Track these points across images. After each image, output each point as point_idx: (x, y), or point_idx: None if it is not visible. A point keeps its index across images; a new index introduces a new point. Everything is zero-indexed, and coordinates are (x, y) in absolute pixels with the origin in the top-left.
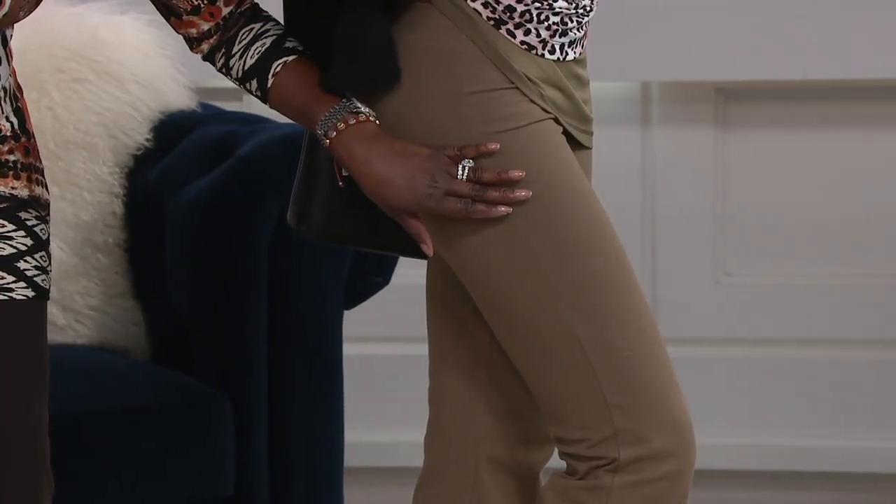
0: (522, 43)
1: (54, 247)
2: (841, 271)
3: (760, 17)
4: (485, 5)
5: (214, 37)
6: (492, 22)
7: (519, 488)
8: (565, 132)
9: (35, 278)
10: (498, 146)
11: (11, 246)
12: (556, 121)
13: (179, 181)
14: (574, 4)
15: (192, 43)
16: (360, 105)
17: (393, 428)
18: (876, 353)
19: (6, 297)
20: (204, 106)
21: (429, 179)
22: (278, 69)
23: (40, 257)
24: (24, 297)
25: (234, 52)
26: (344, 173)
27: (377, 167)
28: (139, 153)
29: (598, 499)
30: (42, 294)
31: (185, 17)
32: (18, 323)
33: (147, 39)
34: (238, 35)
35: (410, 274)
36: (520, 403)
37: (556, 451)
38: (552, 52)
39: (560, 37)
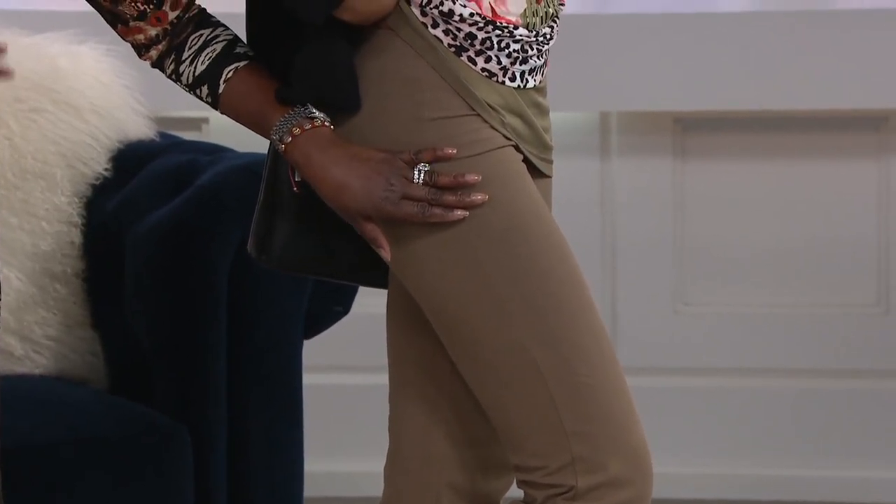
0: (483, 70)
1: (12, 277)
2: (799, 300)
3: (718, 48)
4: (446, 32)
5: (163, 42)
6: (453, 49)
7: None
8: (526, 160)
9: None
10: (455, 151)
11: None
12: (517, 148)
13: (138, 211)
14: (534, 32)
15: (141, 50)
16: (314, 110)
17: (353, 458)
18: (835, 382)
19: None
20: (163, 135)
21: (385, 183)
22: (230, 75)
23: None
24: None
25: (183, 58)
26: (298, 178)
27: (333, 171)
28: (98, 183)
29: None
30: None
31: (131, 24)
32: None
33: (106, 69)
34: (188, 41)
35: (371, 303)
36: (480, 431)
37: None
38: (513, 79)
39: (520, 64)
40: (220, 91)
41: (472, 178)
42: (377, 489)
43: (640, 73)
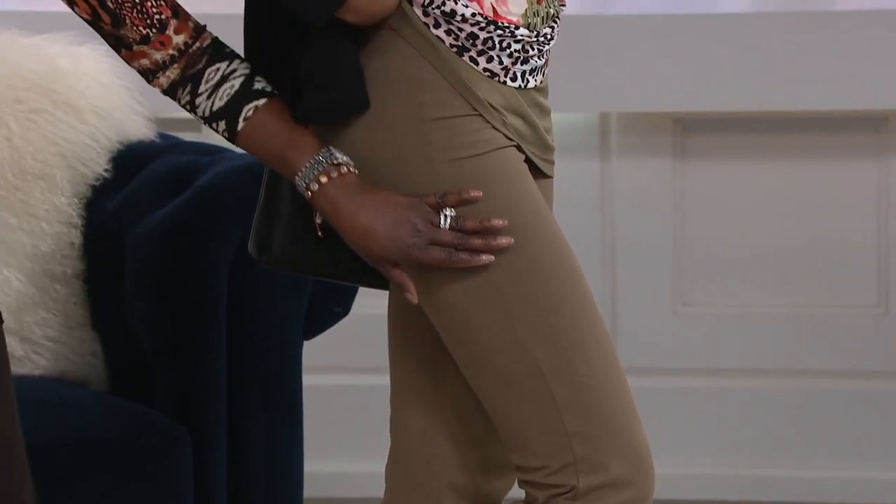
0: (485, 70)
1: (12, 278)
2: (799, 301)
3: (718, 49)
4: (448, 32)
5: (171, 69)
6: (455, 49)
7: None
8: (527, 160)
9: None
10: (480, 194)
11: None
12: (519, 148)
13: (138, 211)
14: (535, 32)
15: (149, 76)
16: (339, 155)
17: (353, 458)
18: (835, 382)
19: None
20: (163, 136)
21: (411, 229)
22: (249, 113)
23: None
24: None
25: (200, 92)
26: (320, 221)
27: (360, 219)
28: (98, 183)
29: None
30: None
31: (135, 48)
32: None
33: (106, 70)
34: (204, 73)
35: (371, 304)
36: (481, 431)
37: (516, 479)
38: (514, 79)
39: (521, 64)
40: (239, 128)
41: (497, 222)
42: (378, 490)
43: (639, 73)
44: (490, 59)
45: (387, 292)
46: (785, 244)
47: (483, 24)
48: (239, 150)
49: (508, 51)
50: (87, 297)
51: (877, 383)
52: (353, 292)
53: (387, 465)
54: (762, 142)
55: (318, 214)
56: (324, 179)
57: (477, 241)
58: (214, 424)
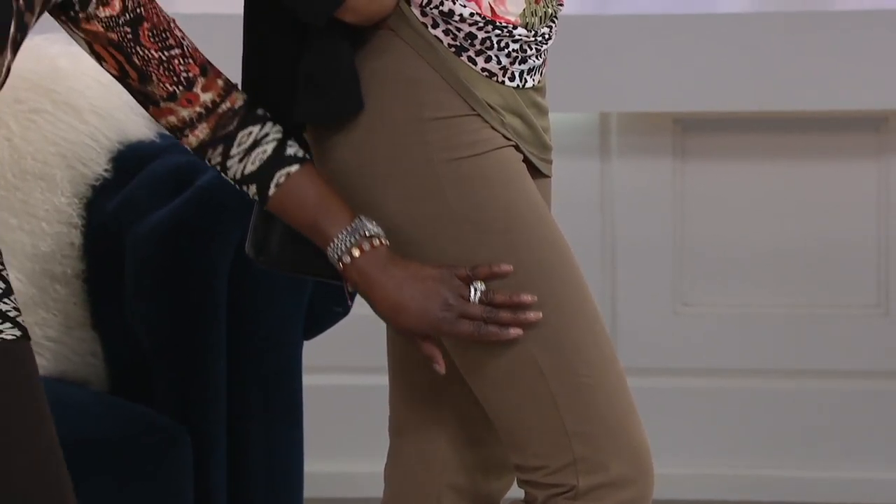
0: (483, 70)
1: (12, 278)
2: (799, 301)
3: (718, 49)
4: (446, 32)
5: (200, 127)
6: (453, 49)
7: None
8: (526, 160)
9: (17, 318)
10: (511, 269)
11: None
12: (517, 148)
13: (138, 211)
14: (533, 32)
15: (177, 133)
16: (370, 226)
17: (353, 458)
18: (834, 383)
19: None
20: (163, 136)
21: (441, 303)
22: (281, 180)
23: (14, 302)
24: (13, 337)
25: (232, 154)
26: (350, 290)
27: (391, 293)
28: (98, 183)
29: None
30: (26, 334)
31: (162, 105)
32: (13, 363)
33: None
34: (237, 136)
35: None
36: (480, 432)
37: (515, 479)
38: (512, 79)
39: (520, 64)
40: (270, 194)
41: (527, 298)
42: (377, 490)
43: (639, 73)
44: (488, 59)
45: None
46: (785, 244)
47: (481, 24)
48: None
49: (506, 50)
50: (87, 297)
51: (877, 383)
52: (354, 292)
53: (386, 465)
54: (762, 142)
55: (348, 284)
56: (356, 253)
57: (506, 315)
58: (214, 424)
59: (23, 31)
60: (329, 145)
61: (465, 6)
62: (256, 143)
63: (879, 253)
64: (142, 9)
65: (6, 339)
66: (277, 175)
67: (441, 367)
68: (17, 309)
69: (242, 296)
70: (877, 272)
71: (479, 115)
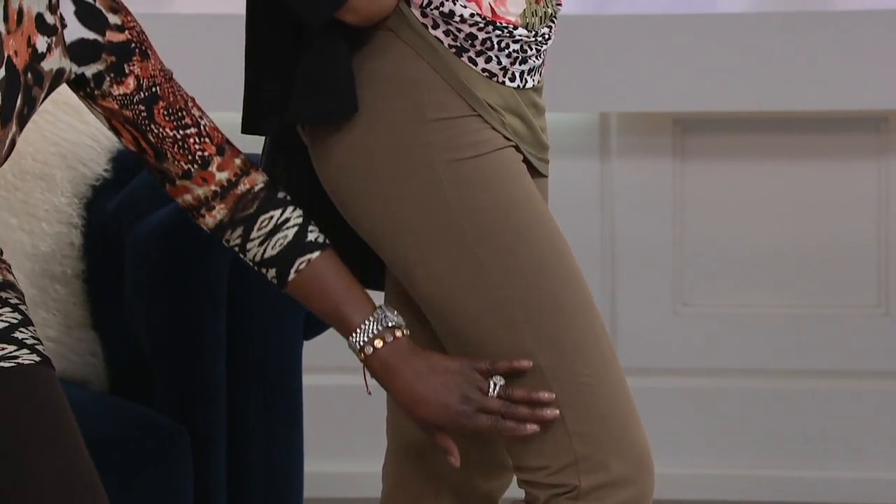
0: (484, 70)
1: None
2: (799, 301)
3: (718, 49)
4: (446, 33)
5: (218, 208)
6: (453, 49)
7: None
8: (525, 159)
9: (36, 346)
10: (531, 364)
11: (3, 321)
12: (517, 148)
13: (138, 212)
14: (533, 32)
15: (194, 212)
16: (392, 316)
17: (352, 458)
18: (835, 383)
19: (13, 364)
20: None
21: (460, 397)
22: (301, 266)
23: (33, 331)
24: (31, 362)
25: (252, 237)
26: (370, 379)
27: (411, 384)
28: (98, 184)
29: None
30: (47, 361)
31: (178, 183)
32: (31, 385)
33: None
34: (257, 220)
35: None
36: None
37: (514, 478)
38: (512, 79)
39: (520, 64)
40: (290, 279)
41: (545, 395)
42: (377, 490)
43: (639, 73)
44: (489, 60)
45: (383, 292)
46: (785, 244)
47: (482, 25)
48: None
49: (507, 51)
50: (87, 298)
51: (877, 383)
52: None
53: (384, 465)
54: (762, 142)
55: (367, 373)
56: (378, 344)
57: (524, 411)
58: (214, 425)
59: (30, 106)
60: (329, 146)
61: (465, 7)
62: (277, 228)
63: (879, 253)
64: (158, 88)
65: (24, 364)
66: (298, 261)
67: (456, 461)
68: (36, 338)
69: (242, 296)
70: (877, 272)
71: (479, 115)
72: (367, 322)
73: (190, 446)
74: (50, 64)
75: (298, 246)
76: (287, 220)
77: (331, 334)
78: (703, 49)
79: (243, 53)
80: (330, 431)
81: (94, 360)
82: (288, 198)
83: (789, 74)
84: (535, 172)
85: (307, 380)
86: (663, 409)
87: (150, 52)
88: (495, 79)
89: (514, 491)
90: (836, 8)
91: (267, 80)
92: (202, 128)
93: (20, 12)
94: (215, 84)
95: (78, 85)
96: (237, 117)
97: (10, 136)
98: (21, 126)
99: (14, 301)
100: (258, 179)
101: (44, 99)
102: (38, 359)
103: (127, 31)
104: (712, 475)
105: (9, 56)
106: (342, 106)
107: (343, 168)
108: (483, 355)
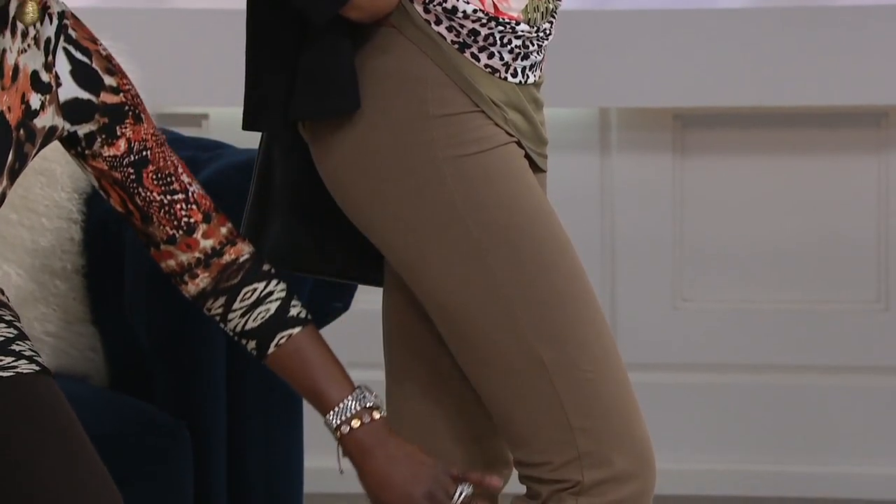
0: (486, 66)
1: (12, 273)
2: (799, 297)
3: (718, 44)
4: (449, 29)
5: (202, 276)
6: (456, 45)
7: None
8: (525, 155)
9: (34, 357)
10: (501, 484)
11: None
12: (519, 144)
13: None
14: (535, 28)
15: (176, 278)
16: (370, 396)
17: None
18: (834, 378)
19: (12, 374)
20: (163, 131)
21: (425, 492)
22: (282, 341)
23: (30, 344)
24: (31, 371)
25: (234, 308)
26: (341, 455)
27: (382, 465)
28: None
29: None
30: (46, 371)
31: (162, 248)
32: (29, 394)
33: None
34: (240, 292)
35: (371, 300)
36: (479, 426)
37: (514, 474)
38: (514, 75)
39: (522, 60)
40: (269, 352)
41: None
42: None
43: (639, 69)
44: (491, 56)
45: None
46: (785, 240)
47: (484, 21)
48: (239, 146)
49: (509, 47)
50: (87, 293)
51: (877, 379)
52: (353, 287)
53: None
54: (762, 137)
55: (341, 451)
56: (356, 424)
57: None
58: (214, 420)
59: (22, 161)
60: (331, 143)
61: (468, 3)
62: (260, 301)
63: (879, 248)
64: (148, 152)
65: (23, 373)
66: (279, 336)
67: None
68: (33, 350)
69: None
70: (877, 268)
71: (482, 111)
72: (346, 401)
73: (190, 442)
74: (43, 121)
75: (280, 320)
76: (270, 293)
77: (333, 330)
78: (703, 44)
79: (244, 49)
80: None
81: (94, 355)
82: (272, 270)
83: (789, 70)
84: (535, 167)
85: None
86: (663, 405)
87: (143, 116)
88: (497, 74)
89: (515, 486)
90: (837, 3)
91: (268, 77)
92: (190, 194)
93: (15, 69)
94: (216, 80)
95: (69, 144)
96: (238, 113)
97: (1, 190)
98: (12, 181)
99: (8, 318)
100: (244, 250)
101: (35, 155)
102: (37, 368)
103: (122, 94)
104: (712, 470)
105: (2, 112)
106: (345, 103)
107: (345, 165)
108: (485, 351)
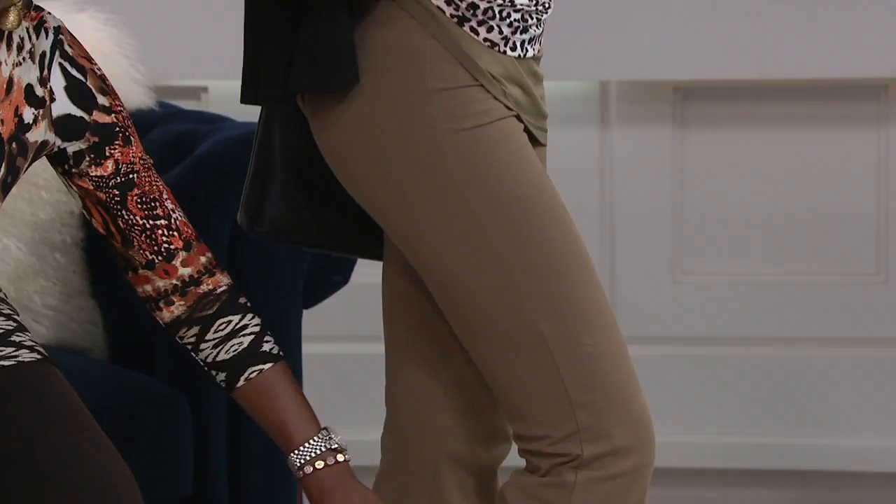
0: (485, 40)
1: (11, 246)
2: (798, 269)
3: (718, 16)
4: (448, 2)
5: (177, 304)
6: (455, 19)
7: (477, 486)
8: (525, 129)
9: (35, 347)
10: None
11: None
12: (518, 118)
13: None
14: (534, 1)
15: (151, 304)
16: (336, 438)
17: (352, 426)
18: (834, 350)
19: (13, 363)
20: (162, 105)
21: None
22: (252, 375)
23: (30, 336)
24: (32, 359)
25: (207, 339)
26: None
27: None
28: None
29: (561, 496)
30: (48, 359)
31: (140, 272)
32: (33, 379)
33: (104, 38)
34: (215, 323)
35: (370, 273)
36: (479, 400)
37: (513, 448)
38: (513, 48)
39: (521, 33)
40: (238, 385)
41: None
42: (376, 458)
43: (639, 41)
44: (490, 29)
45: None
46: (784, 213)
47: None
48: (238, 119)
49: (508, 20)
50: (87, 266)
51: (876, 351)
52: (353, 261)
53: (383, 434)
54: (762, 110)
55: (301, 488)
56: (319, 465)
57: None
58: (214, 393)
59: (14, 175)
60: (330, 117)
61: None
62: (234, 334)
63: (879, 221)
64: (135, 175)
65: (26, 361)
66: (249, 370)
67: None
68: (33, 341)
69: (242, 264)
70: (877, 240)
71: (481, 85)
72: (311, 441)
73: (189, 414)
74: (35, 135)
75: (252, 355)
76: (245, 326)
77: (330, 303)
78: (703, 17)
79: (243, 22)
80: (330, 399)
81: (94, 328)
82: (248, 304)
83: (790, 42)
84: (535, 141)
85: (307, 348)
86: (662, 378)
87: (132, 139)
88: (497, 48)
89: (515, 461)
90: None
91: (267, 50)
92: (173, 221)
93: (10, 82)
94: (215, 53)
95: (57, 161)
96: (237, 86)
97: None
98: (4, 194)
99: (7, 311)
100: (222, 281)
101: (26, 169)
102: (38, 356)
103: (114, 115)
104: (712, 443)
105: None
106: (344, 76)
107: (344, 139)
108: (485, 325)
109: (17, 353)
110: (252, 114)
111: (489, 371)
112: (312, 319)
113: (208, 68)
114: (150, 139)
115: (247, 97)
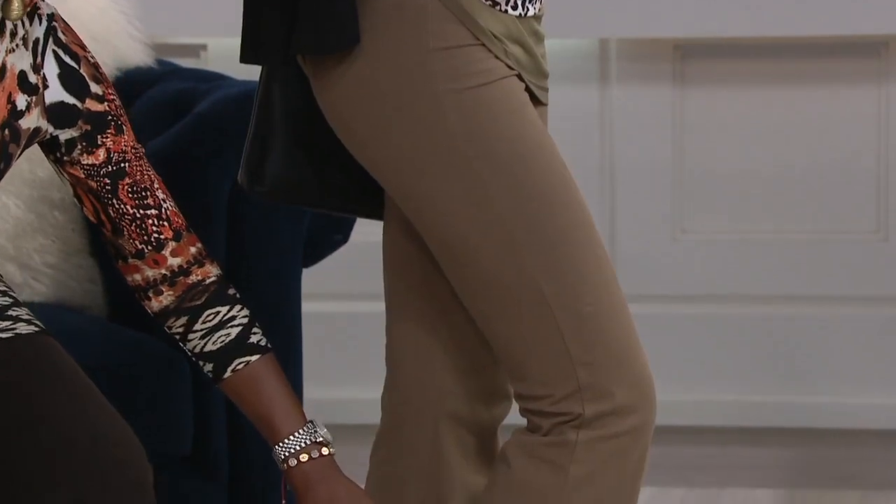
0: None
1: (10, 204)
2: (798, 227)
3: None
4: None
5: (166, 294)
6: None
7: (478, 444)
8: (526, 88)
9: (32, 320)
10: None
11: None
12: (519, 77)
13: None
14: None
15: (140, 293)
16: (321, 431)
17: (352, 385)
18: (834, 308)
19: (11, 335)
20: (161, 62)
21: None
22: (239, 367)
23: (27, 311)
24: (29, 332)
25: (195, 329)
26: (288, 487)
27: (322, 501)
28: None
29: (563, 455)
30: (45, 331)
31: (129, 261)
32: (31, 348)
33: None
34: (203, 313)
35: (370, 231)
36: (479, 359)
37: (514, 407)
38: (514, 7)
39: None
40: (225, 377)
41: None
42: (376, 416)
43: None
44: None
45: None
46: (784, 170)
47: None
48: (238, 77)
49: None
50: (86, 224)
51: (876, 308)
52: (353, 220)
53: (383, 392)
54: (762, 68)
55: (286, 482)
56: (303, 458)
57: None
58: None
59: (6, 161)
60: (331, 77)
61: None
62: (221, 325)
63: (879, 179)
64: (126, 164)
65: (23, 333)
66: (236, 361)
67: None
68: (30, 315)
69: (241, 223)
70: (877, 198)
71: (482, 44)
72: (297, 434)
73: (189, 372)
74: (28, 122)
75: (239, 346)
76: (233, 318)
77: (330, 262)
78: None
79: None
80: (329, 358)
81: (93, 286)
82: (237, 296)
83: (789, 0)
84: (536, 101)
85: (306, 307)
86: (663, 336)
87: (125, 128)
88: (498, 7)
89: (516, 419)
90: None
91: (267, 10)
92: (163, 210)
93: (3, 68)
94: (214, 10)
95: (49, 148)
96: (237, 43)
97: None
98: None
99: (2, 288)
100: (211, 272)
101: (19, 156)
102: (36, 329)
103: (106, 103)
104: (711, 401)
105: None
106: (344, 37)
107: (346, 99)
108: (486, 283)
109: (14, 326)
110: (251, 72)
111: (490, 329)
112: (312, 278)
113: (207, 26)
114: (149, 97)
115: (247, 57)
